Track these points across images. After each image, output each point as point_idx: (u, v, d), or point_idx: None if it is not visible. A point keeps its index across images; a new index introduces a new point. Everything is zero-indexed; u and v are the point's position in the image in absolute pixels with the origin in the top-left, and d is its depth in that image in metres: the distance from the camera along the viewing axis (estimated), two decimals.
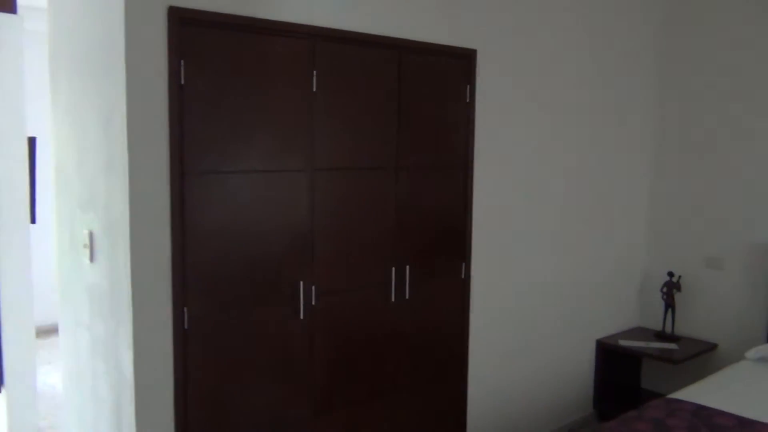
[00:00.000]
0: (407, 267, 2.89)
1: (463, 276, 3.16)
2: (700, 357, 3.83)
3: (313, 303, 2.59)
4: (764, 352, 3.31)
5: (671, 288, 3.95)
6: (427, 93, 2.90)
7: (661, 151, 4.13)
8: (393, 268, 2.85)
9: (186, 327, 2.25)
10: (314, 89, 2.51)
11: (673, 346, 3.84)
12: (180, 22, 2.14)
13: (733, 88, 3.78)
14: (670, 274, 3.96)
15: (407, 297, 2.91)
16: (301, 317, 2.55)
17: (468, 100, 3.06)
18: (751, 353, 3.36)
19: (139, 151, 2.11)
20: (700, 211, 3.96)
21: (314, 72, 2.50)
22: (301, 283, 2.54)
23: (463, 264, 3.15)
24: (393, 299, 2.87)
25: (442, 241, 3.06)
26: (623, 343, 3.90)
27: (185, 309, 2.25)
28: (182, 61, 2.16)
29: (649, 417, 2.65)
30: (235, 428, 2.42)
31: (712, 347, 3.88)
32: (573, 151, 3.66)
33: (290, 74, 2.45)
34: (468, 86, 3.04)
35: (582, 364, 3.93)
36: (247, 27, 2.30)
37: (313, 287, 2.58)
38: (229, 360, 2.39)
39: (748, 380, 3.11)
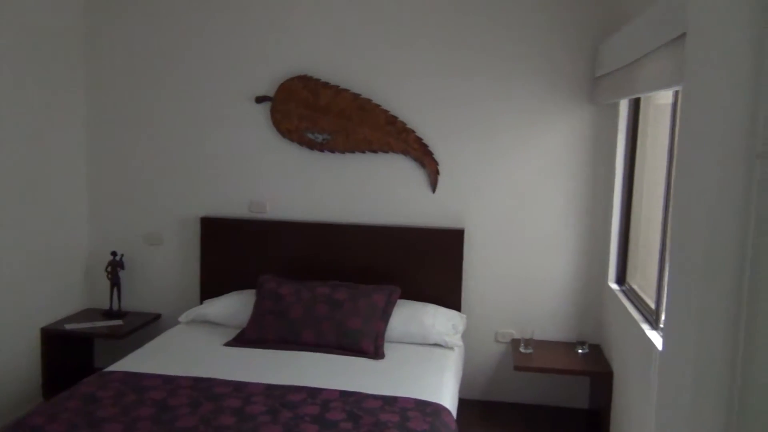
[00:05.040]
0: None
1: None
2: (145, 328, 4.25)
3: None
4: (193, 314, 3.92)
5: (115, 267, 4.27)
6: None
7: (95, 132, 4.35)
8: None
9: None
10: None
11: (119, 322, 4.17)
12: None
13: (164, 67, 4.23)
14: (113, 254, 4.27)
15: None
16: None
17: None
18: (183, 317, 3.93)
19: None
20: (138, 190, 4.35)
21: None
22: None
23: None
24: None
25: None
26: (69, 327, 4.04)
27: None
28: None
29: (81, 393, 2.87)
30: None
31: (156, 317, 4.36)
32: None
33: None
34: None
35: (28, 355, 3.93)
36: None
37: None
38: None
39: (179, 341, 3.64)
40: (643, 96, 3.41)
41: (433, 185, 4.06)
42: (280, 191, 4.20)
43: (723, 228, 1.76)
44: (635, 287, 3.56)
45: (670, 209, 2.62)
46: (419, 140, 4.02)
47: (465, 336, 3.97)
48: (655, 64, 2.53)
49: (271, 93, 4.10)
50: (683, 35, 2.07)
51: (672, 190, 2.69)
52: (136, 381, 3.02)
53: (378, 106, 4.01)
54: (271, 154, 4.17)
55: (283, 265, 4.11)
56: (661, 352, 2.40)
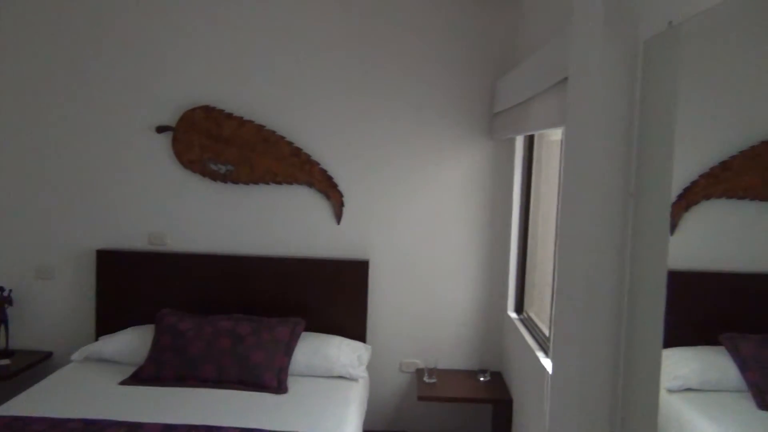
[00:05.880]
0: None
1: None
2: (35, 368, 4.03)
3: None
4: (87, 352, 3.76)
5: (2, 302, 4.04)
6: None
7: None
8: None
9: None
10: None
11: (6, 361, 3.94)
12: None
13: (60, 92, 4.08)
14: (1, 289, 4.05)
15: None
16: None
17: None
18: (76, 355, 3.76)
19: None
20: (28, 221, 4.16)
21: None
22: None
23: None
24: None
25: None
26: None
27: None
28: None
29: None
30: None
31: (47, 356, 4.15)
32: None
33: None
34: None
35: None
36: None
37: None
38: None
39: (71, 381, 3.47)
40: (536, 133, 3.60)
41: (338, 217, 4.10)
42: (181, 223, 4.12)
43: (602, 260, 1.89)
44: (532, 316, 3.71)
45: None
46: (324, 172, 4.06)
47: (370, 367, 4.00)
48: (543, 105, 2.69)
49: (172, 123, 4.04)
50: (566, 79, 2.22)
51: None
52: (22, 426, 2.87)
53: (282, 138, 4.03)
54: (172, 184, 4.10)
55: (184, 300, 4.02)
56: (550, 376, 2.51)
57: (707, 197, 1.90)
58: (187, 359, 3.51)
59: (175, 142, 4.04)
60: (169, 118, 4.05)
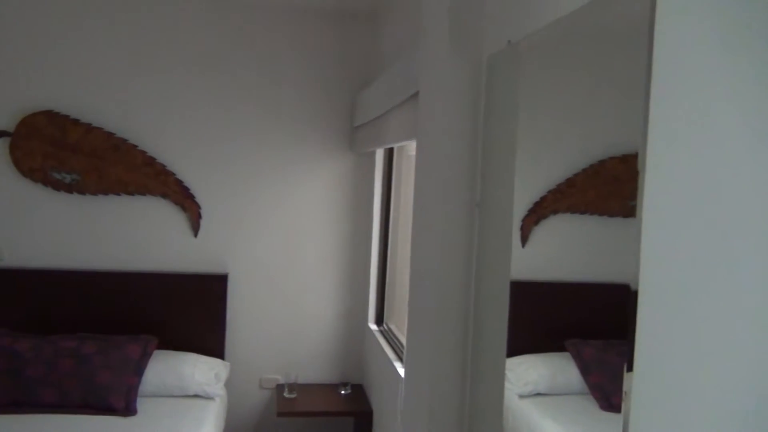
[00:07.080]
0: None
1: None
2: None
3: None
4: None
5: None
6: None
7: None
8: None
9: None
10: None
11: None
12: None
13: None
14: None
15: None
16: None
17: None
18: None
19: None
20: None
21: None
22: None
23: None
24: None
25: None
26: None
27: None
28: None
29: None
30: None
31: None
32: None
33: None
34: None
35: None
36: None
37: None
38: None
39: None
40: (395, 146, 3.67)
41: (195, 229, 3.97)
42: (19, 236, 3.82)
43: (450, 269, 1.95)
44: (393, 327, 3.77)
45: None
46: (179, 183, 3.92)
47: (228, 384, 3.89)
48: (397, 119, 2.75)
49: (10, 128, 3.75)
50: (418, 93, 2.28)
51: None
52: None
53: (135, 146, 3.85)
54: (10, 195, 3.79)
55: (23, 319, 3.72)
56: (403, 381, 2.56)
57: (555, 212, 2.00)
58: (24, 383, 3.25)
59: (14, 149, 3.75)
60: (7, 122, 3.75)
